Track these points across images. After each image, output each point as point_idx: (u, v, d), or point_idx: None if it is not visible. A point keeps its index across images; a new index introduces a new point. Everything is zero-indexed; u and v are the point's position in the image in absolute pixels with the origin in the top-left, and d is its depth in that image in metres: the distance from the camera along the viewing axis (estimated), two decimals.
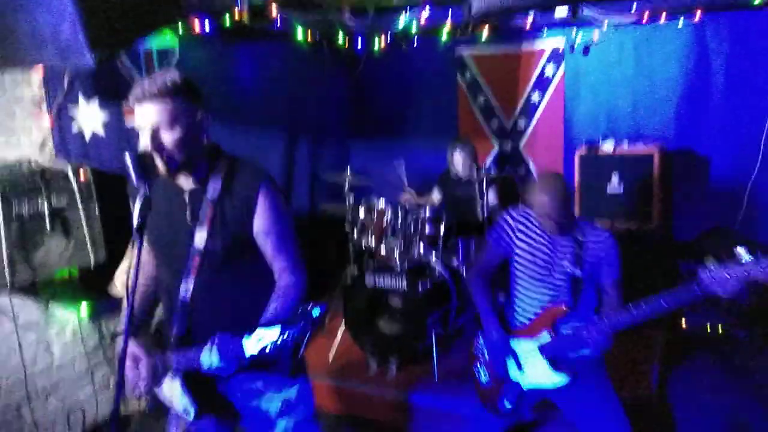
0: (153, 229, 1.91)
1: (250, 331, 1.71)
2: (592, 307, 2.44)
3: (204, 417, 1.96)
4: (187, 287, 1.88)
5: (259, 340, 1.62)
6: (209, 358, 1.68)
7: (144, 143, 1.74)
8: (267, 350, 1.61)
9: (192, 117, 1.78)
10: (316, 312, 1.68)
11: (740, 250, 1.93)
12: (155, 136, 1.73)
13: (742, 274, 1.92)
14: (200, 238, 1.84)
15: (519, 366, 2.52)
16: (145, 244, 1.90)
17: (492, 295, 2.63)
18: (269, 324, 1.67)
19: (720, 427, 3.21)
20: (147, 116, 1.72)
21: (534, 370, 2.48)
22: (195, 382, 1.88)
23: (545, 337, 2.44)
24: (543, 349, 2.45)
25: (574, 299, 2.42)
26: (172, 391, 1.91)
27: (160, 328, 2.00)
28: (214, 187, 1.85)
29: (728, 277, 1.93)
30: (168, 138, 1.73)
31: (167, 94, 1.71)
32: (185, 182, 1.88)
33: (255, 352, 1.63)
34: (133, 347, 1.83)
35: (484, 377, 2.68)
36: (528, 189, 2.52)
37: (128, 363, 1.82)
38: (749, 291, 1.92)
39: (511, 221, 2.57)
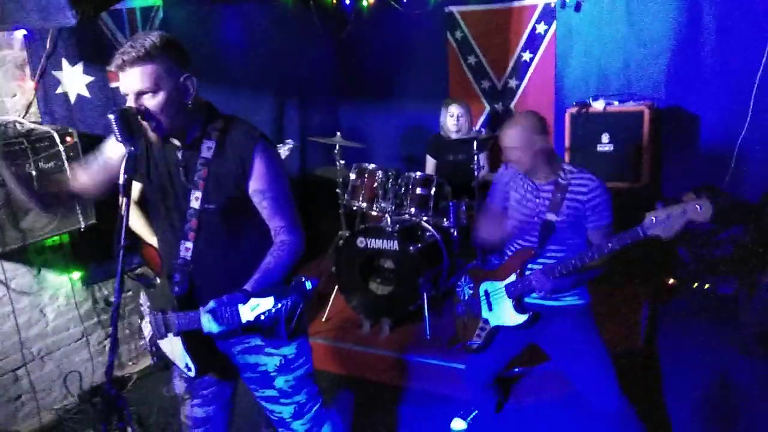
0: (151, 189, 1.93)
1: (244, 292, 1.76)
2: (563, 250, 2.46)
3: (205, 374, 2.01)
4: (187, 246, 1.89)
5: (254, 308, 1.69)
6: (207, 323, 1.73)
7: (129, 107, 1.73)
8: (262, 318, 1.69)
9: (175, 79, 1.74)
10: (308, 285, 1.75)
11: (688, 195, 2.02)
12: (139, 101, 1.71)
13: (680, 215, 2.02)
14: (196, 198, 1.85)
15: (489, 305, 2.60)
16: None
17: (488, 233, 2.66)
18: (259, 283, 1.74)
19: (707, 379, 3.30)
20: (130, 82, 1.70)
21: (500, 309, 2.56)
22: (196, 341, 1.91)
23: (512, 278, 2.51)
24: (507, 290, 2.52)
25: (540, 242, 2.46)
26: (174, 348, 1.95)
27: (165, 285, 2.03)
28: (208, 147, 1.84)
29: (668, 217, 2.04)
30: (152, 102, 1.72)
31: (148, 58, 1.67)
32: (179, 143, 1.87)
33: (251, 318, 1.70)
34: (142, 300, 1.93)
35: (462, 316, 2.76)
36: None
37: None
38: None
39: (503, 175, 2.67)
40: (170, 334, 1.93)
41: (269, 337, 1.99)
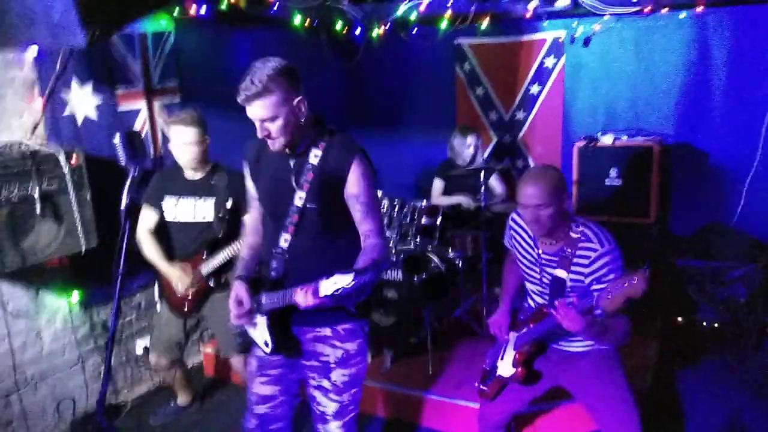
0: (263, 189, 2.25)
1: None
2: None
3: (278, 352, 2.24)
4: (286, 238, 2.17)
5: (334, 283, 1.83)
6: (303, 298, 1.91)
7: (258, 134, 2.04)
8: (338, 293, 1.83)
9: (290, 104, 2.01)
10: (383, 266, 1.92)
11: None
12: (263, 126, 2.02)
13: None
14: (300, 197, 2.13)
15: (502, 355, 2.57)
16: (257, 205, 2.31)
17: (516, 283, 2.72)
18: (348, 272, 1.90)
19: (717, 420, 3.22)
20: (254, 113, 2.00)
21: (506, 359, 2.53)
22: (277, 322, 2.20)
23: (524, 331, 2.48)
24: (514, 342, 2.51)
25: (552, 298, 2.33)
26: (258, 328, 2.25)
27: (258, 275, 2.30)
28: (315, 155, 2.13)
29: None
30: (273, 127, 2.02)
31: (266, 92, 1.95)
32: (290, 152, 2.15)
33: (329, 293, 1.84)
34: (240, 290, 2.21)
35: (487, 360, 2.70)
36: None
37: (233, 303, 2.20)
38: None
39: (512, 223, 2.60)
40: (258, 315, 2.22)
41: (337, 311, 2.13)
